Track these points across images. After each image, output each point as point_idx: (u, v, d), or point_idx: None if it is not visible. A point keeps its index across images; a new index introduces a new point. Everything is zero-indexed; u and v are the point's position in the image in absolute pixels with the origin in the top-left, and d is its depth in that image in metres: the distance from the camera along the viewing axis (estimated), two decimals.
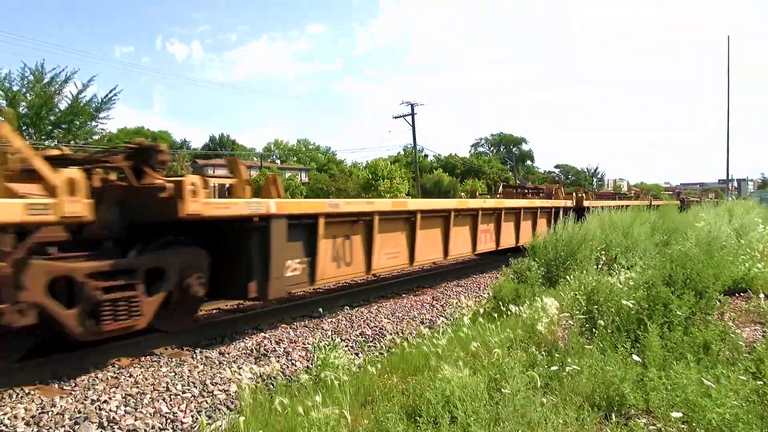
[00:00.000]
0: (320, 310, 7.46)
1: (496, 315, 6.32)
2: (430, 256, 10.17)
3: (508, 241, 12.98)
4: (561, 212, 14.81)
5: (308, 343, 6.35)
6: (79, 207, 5.05)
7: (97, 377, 5.17)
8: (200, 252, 6.26)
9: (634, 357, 4.02)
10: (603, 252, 9.35)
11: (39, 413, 4.30)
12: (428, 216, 9.82)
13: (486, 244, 12.10)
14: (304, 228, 7.20)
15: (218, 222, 6.29)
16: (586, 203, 17.41)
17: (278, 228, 6.64)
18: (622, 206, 18.59)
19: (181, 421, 4.30)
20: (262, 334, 6.80)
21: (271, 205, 6.51)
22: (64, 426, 4.11)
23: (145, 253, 5.78)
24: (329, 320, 7.55)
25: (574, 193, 18.06)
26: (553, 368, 3.94)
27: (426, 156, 78.77)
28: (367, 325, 7.40)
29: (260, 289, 6.56)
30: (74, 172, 5.14)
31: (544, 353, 4.51)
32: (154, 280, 5.74)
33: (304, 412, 3.59)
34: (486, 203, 12.42)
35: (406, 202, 10.98)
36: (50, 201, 4.85)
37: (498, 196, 18.40)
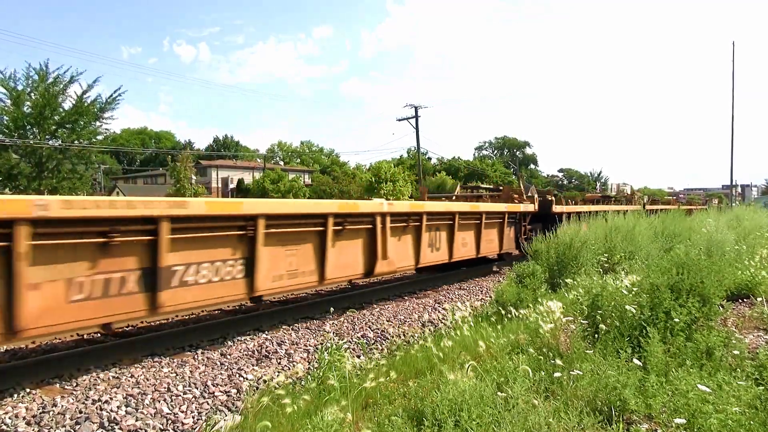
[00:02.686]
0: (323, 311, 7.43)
1: (498, 319, 6.30)
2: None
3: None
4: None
5: (310, 345, 6.35)
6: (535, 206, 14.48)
7: (98, 377, 5.17)
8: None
9: (636, 362, 4.00)
10: (606, 256, 9.32)
11: (40, 413, 4.30)
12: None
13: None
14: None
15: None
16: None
17: None
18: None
19: (182, 422, 4.30)
20: (264, 335, 6.79)
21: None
22: (65, 426, 4.11)
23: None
24: (331, 322, 7.55)
25: None
26: (556, 374, 3.92)
27: (429, 158, 78.94)
28: (369, 327, 7.39)
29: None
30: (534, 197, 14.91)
31: (547, 357, 4.49)
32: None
33: (312, 413, 3.58)
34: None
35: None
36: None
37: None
